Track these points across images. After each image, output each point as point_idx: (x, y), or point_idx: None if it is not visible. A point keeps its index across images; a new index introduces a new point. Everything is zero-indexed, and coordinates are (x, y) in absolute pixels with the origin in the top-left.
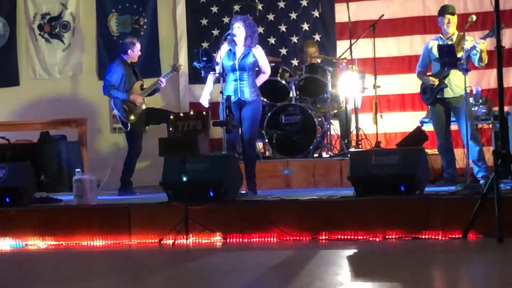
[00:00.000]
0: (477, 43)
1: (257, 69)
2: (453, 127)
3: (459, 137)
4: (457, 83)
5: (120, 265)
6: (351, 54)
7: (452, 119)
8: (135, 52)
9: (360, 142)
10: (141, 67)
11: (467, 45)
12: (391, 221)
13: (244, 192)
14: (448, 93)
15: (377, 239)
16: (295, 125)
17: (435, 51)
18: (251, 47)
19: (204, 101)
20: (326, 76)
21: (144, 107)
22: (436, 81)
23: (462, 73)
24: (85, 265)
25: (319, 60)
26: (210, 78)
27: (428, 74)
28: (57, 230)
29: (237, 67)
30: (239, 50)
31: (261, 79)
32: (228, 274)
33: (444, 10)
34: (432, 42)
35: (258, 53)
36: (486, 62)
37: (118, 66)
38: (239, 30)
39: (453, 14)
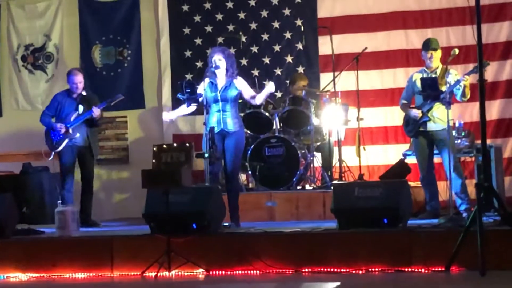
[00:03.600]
0: (462, 79)
1: (240, 101)
2: (436, 159)
3: (442, 169)
4: (439, 116)
5: None
6: (334, 86)
7: (435, 151)
8: (69, 83)
9: (343, 175)
10: (125, 98)
11: (451, 78)
12: (374, 253)
13: (227, 224)
14: (431, 126)
15: (360, 272)
16: (279, 157)
17: (418, 83)
18: (233, 77)
19: (166, 116)
20: (310, 108)
21: (75, 136)
22: (420, 114)
23: (444, 106)
24: None
25: (303, 92)
26: (185, 106)
27: (411, 106)
28: (39, 262)
29: (219, 98)
30: (220, 82)
31: (262, 95)
32: None
33: (427, 46)
34: (416, 74)
35: (240, 83)
36: (468, 97)
37: (57, 96)
38: (220, 62)
39: (435, 49)
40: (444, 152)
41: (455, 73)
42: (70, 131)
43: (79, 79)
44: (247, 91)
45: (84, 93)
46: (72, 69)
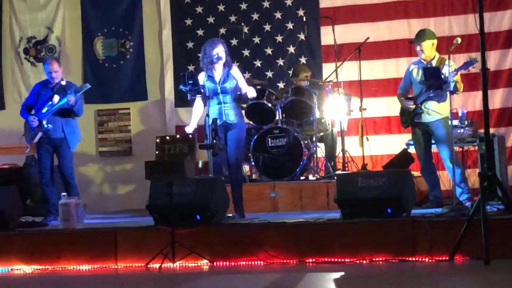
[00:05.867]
0: (452, 74)
1: (238, 93)
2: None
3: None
4: (434, 108)
5: None
6: (337, 76)
7: (433, 142)
8: (45, 72)
9: (346, 165)
10: (127, 90)
11: (446, 69)
12: (378, 243)
13: (231, 215)
14: (425, 118)
15: (364, 262)
16: (282, 147)
17: (415, 74)
18: (230, 68)
19: (190, 129)
20: (312, 98)
21: (49, 128)
22: (413, 106)
23: (440, 97)
24: None
25: (305, 83)
26: (197, 105)
27: (409, 96)
28: (43, 254)
29: (219, 90)
30: (218, 74)
31: (250, 94)
32: None
33: (415, 38)
34: (413, 65)
35: (236, 73)
36: (461, 90)
37: (37, 84)
38: (223, 54)
39: (416, 42)
40: (441, 144)
41: (451, 64)
42: (44, 122)
43: (54, 68)
44: (241, 82)
45: (63, 82)
46: (47, 57)
